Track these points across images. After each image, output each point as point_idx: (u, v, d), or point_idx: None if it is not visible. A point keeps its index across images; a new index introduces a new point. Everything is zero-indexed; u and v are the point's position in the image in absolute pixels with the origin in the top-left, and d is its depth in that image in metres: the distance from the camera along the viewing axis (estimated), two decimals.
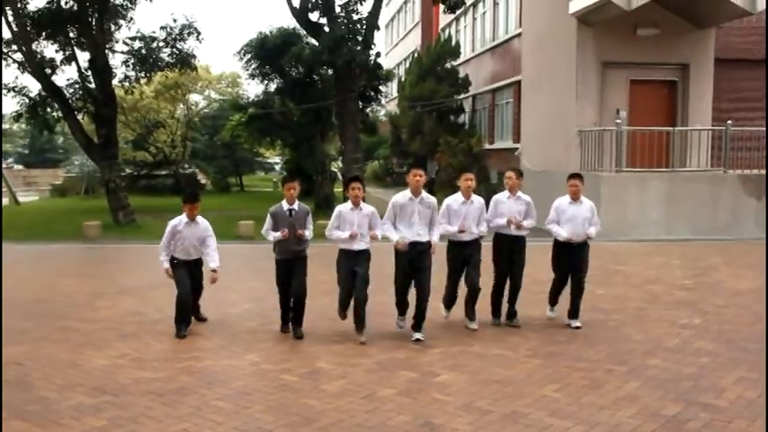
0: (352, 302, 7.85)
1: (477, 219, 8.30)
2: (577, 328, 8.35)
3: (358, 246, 7.77)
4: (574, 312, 8.61)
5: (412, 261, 7.76)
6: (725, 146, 17.61)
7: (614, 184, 16.81)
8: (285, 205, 8.08)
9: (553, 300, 8.88)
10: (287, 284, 8.10)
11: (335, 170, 32.83)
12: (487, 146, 26.94)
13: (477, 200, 8.35)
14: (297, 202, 8.10)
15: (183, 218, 8.17)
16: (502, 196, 8.57)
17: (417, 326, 7.88)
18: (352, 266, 7.76)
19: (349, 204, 7.88)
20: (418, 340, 7.74)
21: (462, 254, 8.23)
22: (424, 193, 7.92)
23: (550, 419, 5.53)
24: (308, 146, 28.52)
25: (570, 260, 8.53)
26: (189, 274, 8.24)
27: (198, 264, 8.36)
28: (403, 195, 7.92)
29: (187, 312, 8.23)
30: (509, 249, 8.53)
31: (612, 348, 7.43)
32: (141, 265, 13.68)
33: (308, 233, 8.11)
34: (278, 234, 7.95)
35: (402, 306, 8.11)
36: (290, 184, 8.11)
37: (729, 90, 20.30)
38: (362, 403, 5.96)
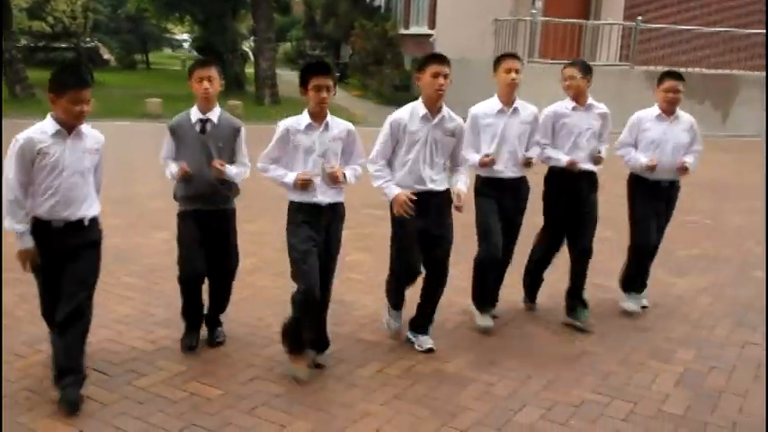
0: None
1: (523, 140, 5.22)
2: (643, 307, 5.83)
3: (323, 196, 4.34)
4: (634, 283, 5.82)
5: (425, 227, 4.63)
6: (633, 41, 17.96)
7: (527, 75, 16.94)
8: (195, 114, 4.56)
9: (631, 280, 5.78)
10: (198, 261, 4.59)
11: (247, 50, 31.91)
12: (403, 31, 26.58)
13: (526, 108, 5.24)
14: (218, 109, 4.61)
15: (50, 124, 3.85)
16: (561, 106, 5.44)
17: (424, 326, 4.94)
18: (315, 235, 4.32)
19: (305, 118, 4.33)
20: (430, 350, 4.84)
21: (499, 202, 5.15)
22: (446, 110, 4.67)
23: (456, 298, 5.79)
24: (218, 23, 27.46)
25: (655, 207, 5.63)
26: (60, 275, 3.91)
27: (82, 236, 3.95)
28: (410, 112, 4.63)
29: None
30: (574, 195, 5.41)
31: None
32: None
33: (238, 170, 4.62)
34: (174, 169, 4.56)
35: (400, 297, 5.00)
36: (202, 71, 4.53)
37: None
38: (273, 279, 6.08)
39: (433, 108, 4.61)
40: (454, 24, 21.57)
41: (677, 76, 5.64)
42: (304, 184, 4.25)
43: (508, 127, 5.13)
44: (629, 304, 5.73)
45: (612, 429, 4.01)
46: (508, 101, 5.16)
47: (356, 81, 24.57)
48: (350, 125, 4.48)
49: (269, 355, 4.70)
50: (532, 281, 5.78)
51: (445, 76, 4.51)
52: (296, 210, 4.36)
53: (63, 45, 36.17)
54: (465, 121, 4.95)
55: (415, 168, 4.62)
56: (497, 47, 18.40)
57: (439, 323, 5.13)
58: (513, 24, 17.80)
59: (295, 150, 4.34)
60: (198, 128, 4.55)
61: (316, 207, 4.31)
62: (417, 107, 4.63)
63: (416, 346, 4.88)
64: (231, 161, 4.60)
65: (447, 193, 4.72)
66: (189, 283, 4.64)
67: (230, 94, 20.97)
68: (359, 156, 4.52)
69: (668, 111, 5.60)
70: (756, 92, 17.68)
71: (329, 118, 4.36)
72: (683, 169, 5.55)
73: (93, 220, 4.00)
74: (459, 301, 5.66)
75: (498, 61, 5.18)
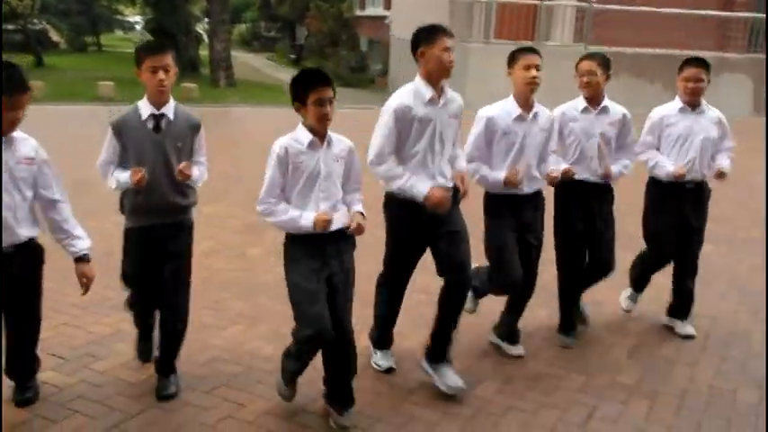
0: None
1: (539, 150, 4.42)
2: (689, 337, 5.06)
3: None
4: (680, 309, 5.16)
5: (431, 224, 3.97)
6: (587, 22, 18.16)
7: (482, 56, 17.07)
8: (145, 109, 3.81)
9: (641, 280, 5.36)
10: (148, 281, 3.97)
11: (201, 31, 31.50)
12: (358, 12, 26.50)
13: (544, 113, 4.44)
14: (173, 102, 3.87)
15: None
16: (571, 108, 4.79)
17: (443, 351, 4.16)
18: (323, 269, 3.63)
19: (305, 134, 3.61)
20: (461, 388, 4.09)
21: (516, 219, 4.38)
22: (449, 92, 4.04)
23: (415, 275, 5.84)
24: (170, 4, 27.04)
25: (679, 217, 4.92)
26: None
27: (29, 259, 3.61)
28: (413, 95, 3.94)
29: None
30: (586, 207, 4.73)
31: None
32: None
33: (200, 171, 3.98)
34: (125, 178, 3.78)
35: (389, 329, 4.43)
36: (156, 58, 3.75)
37: None
38: (231, 261, 6.09)
39: (438, 88, 3.97)
40: (410, 5, 21.58)
41: (700, 63, 4.85)
42: (326, 226, 3.55)
43: (528, 136, 4.31)
44: (629, 303, 5.46)
45: (568, 401, 4.11)
46: (527, 104, 4.32)
47: (312, 63, 24.44)
48: (350, 142, 3.78)
49: (227, 336, 4.71)
50: (568, 305, 4.97)
51: (453, 50, 3.93)
52: (295, 241, 3.65)
53: (10, 27, 35.27)
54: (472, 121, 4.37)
55: (424, 162, 3.94)
56: (451, 28, 18.44)
57: None
58: (469, 5, 17.84)
59: (296, 174, 3.60)
60: (151, 125, 3.81)
61: (320, 236, 3.60)
62: (421, 89, 3.94)
63: (449, 388, 4.07)
64: (192, 156, 3.95)
65: (456, 190, 4.07)
66: (141, 304, 4.15)
67: (185, 76, 20.72)
68: (357, 180, 3.81)
69: (691, 102, 4.88)
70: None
71: (331, 135, 3.69)
72: (720, 174, 4.89)
73: (33, 241, 3.58)
74: (418, 278, 5.73)
75: (514, 57, 4.35)
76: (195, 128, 3.96)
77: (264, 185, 3.64)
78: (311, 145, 3.60)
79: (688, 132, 4.86)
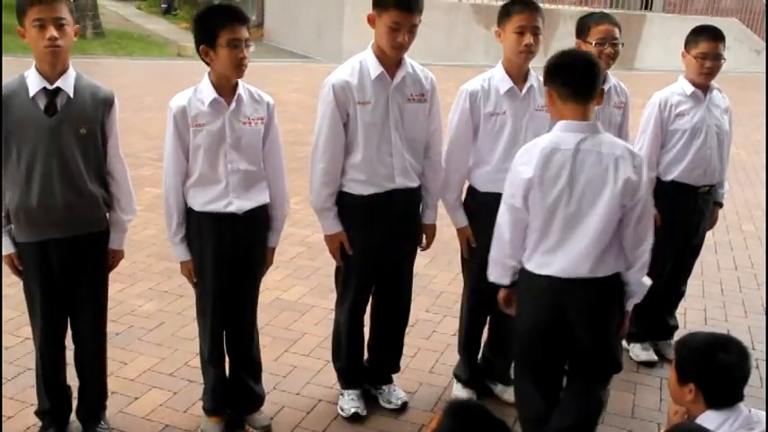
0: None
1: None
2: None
3: (239, 202, 3.03)
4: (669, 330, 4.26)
5: (384, 242, 3.28)
6: None
7: (356, 6, 17.09)
8: (34, 82, 2.77)
9: (647, 327, 4.17)
10: (56, 323, 3.05)
11: None
12: None
13: (540, 85, 3.27)
14: (72, 71, 2.87)
15: None
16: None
17: (389, 371, 3.66)
18: (228, 269, 3.09)
19: (208, 90, 2.96)
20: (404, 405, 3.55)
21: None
22: (409, 63, 3.23)
23: (293, 229, 5.90)
24: None
25: (684, 224, 3.97)
26: None
27: None
28: (357, 72, 3.14)
29: None
30: None
31: None
32: None
33: (120, 217, 3.05)
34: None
35: (356, 362, 3.59)
36: (43, 9, 2.69)
37: None
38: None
39: (391, 64, 3.15)
40: None
41: (717, 35, 3.78)
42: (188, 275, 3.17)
43: (520, 116, 3.31)
44: (646, 354, 4.18)
45: (444, 344, 4.31)
46: (520, 76, 3.32)
47: (185, 13, 23.63)
48: (268, 98, 3.11)
49: (109, 294, 4.62)
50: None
51: (411, 30, 3.04)
52: (201, 224, 3.07)
53: None
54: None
55: (374, 157, 3.15)
56: None
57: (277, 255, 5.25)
58: None
59: (197, 140, 2.96)
60: (42, 105, 2.78)
61: (223, 220, 3.05)
62: (368, 64, 3.14)
63: (391, 403, 3.59)
64: (96, 163, 2.93)
65: (419, 191, 3.36)
66: (47, 356, 3.08)
67: None
68: (276, 153, 3.14)
69: (705, 85, 3.86)
70: (572, 26, 18.68)
71: (240, 87, 3.00)
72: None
73: None
74: (296, 232, 5.80)
75: (508, 13, 3.23)
76: (105, 104, 2.94)
77: (165, 161, 3.02)
78: (214, 104, 2.95)
79: (700, 125, 3.85)
